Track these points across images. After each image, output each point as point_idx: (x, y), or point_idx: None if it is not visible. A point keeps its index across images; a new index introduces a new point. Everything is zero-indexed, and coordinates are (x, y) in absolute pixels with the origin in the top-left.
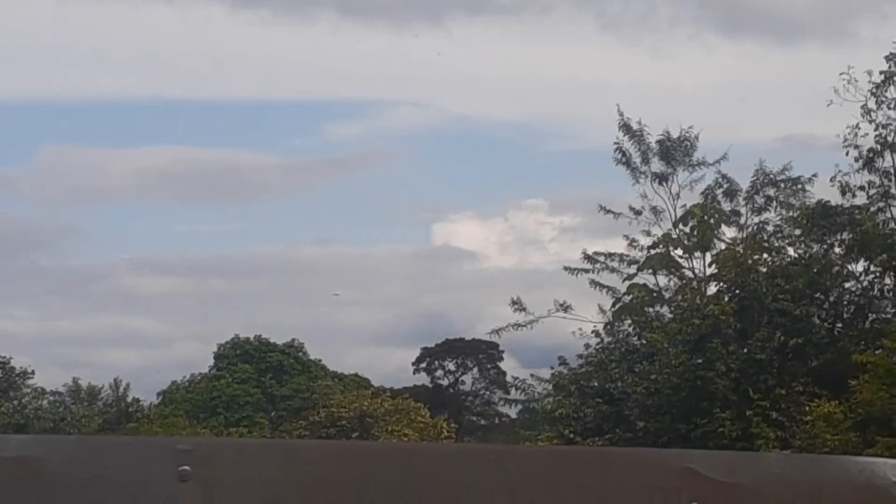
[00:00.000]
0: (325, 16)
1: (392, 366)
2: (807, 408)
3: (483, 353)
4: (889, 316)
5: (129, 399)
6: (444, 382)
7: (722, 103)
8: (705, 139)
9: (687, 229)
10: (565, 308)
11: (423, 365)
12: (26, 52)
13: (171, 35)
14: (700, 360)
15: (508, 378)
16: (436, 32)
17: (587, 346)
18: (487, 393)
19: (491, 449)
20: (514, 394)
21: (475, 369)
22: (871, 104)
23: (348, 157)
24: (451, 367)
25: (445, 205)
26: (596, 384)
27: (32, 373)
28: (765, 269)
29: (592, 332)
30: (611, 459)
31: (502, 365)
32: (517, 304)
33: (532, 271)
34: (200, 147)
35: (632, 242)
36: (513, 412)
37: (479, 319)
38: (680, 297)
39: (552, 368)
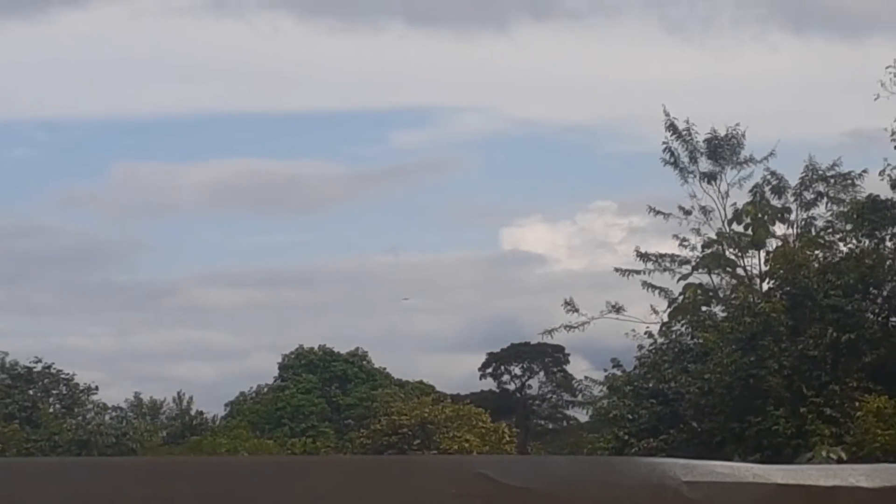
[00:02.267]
0: (392, 25)
1: (462, 372)
2: (857, 403)
3: (549, 356)
4: None
5: (193, 412)
6: (511, 387)
7: (789, 100)
8: (769, 137)
9: (741, 228)
10: (617, 309)
11: (490, 370)
12: (99, 69)
13: (238, 47)
14: (752, 359)
15: (575, 381)
16: (499, 38)
17: (640, 347)
18: (554, 396)
19: (290, 460)
20: (579, 397)
21: (541, 373)
22: None
23: (415, 164)
24: (518, 371)
25: (513, 209)
26: (650, 385)
27: (96, 388)
28: (816, 265)
29: (645, 332)
30: (407, 467)
31: (570, 368)
32: (570, 306)
33: (603, 273)
34: (268, 158)
35: (682, 242)
36: (581, 415)
37: (551, 323)
38: (733, 296)
39: (605, 371)
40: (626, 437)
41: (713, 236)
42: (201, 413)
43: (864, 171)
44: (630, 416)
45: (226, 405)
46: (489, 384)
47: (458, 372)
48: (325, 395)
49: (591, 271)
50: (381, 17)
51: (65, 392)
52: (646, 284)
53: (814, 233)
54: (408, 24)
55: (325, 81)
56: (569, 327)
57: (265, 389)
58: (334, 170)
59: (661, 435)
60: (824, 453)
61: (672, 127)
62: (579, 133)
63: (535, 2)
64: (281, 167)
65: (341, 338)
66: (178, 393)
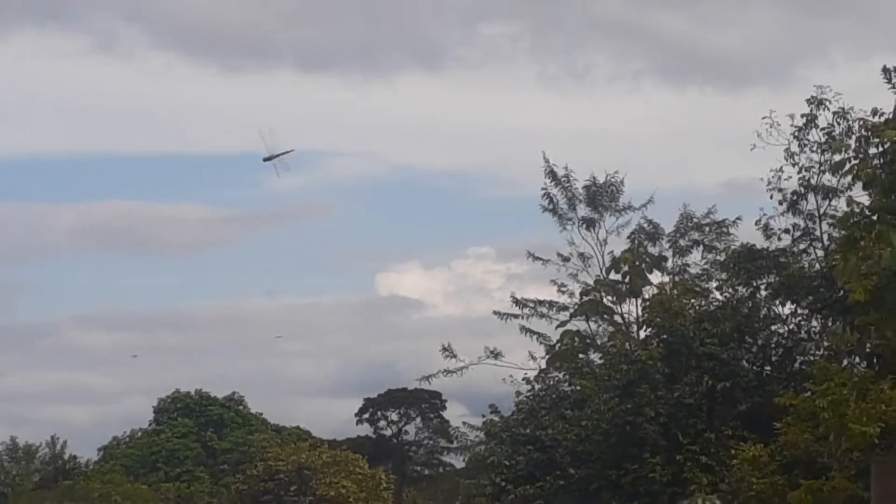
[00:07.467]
0: (282, 70)
1: (338, 417)
2: (732, 451)
3: (426, 402)
4: (816, 358)
5: (66, 456)
6: (388, 433)
7: (666, 151)
8: (648, 186)
9: (619, 276)
10: (496, 355)
11: (366, 416)
12: None
13: (120, 88)
14: (629, 406)
15: (451, 427)
16: (385, 86)
17: (518, 393)
18: (431, 442)
19: None
20: (455, 443)
21: (418, 419)
22: (794, 147)
23: (292, 208)
24: (394, 417)
25: (390, 254)
26: (527, 431)
27: None
28: (692, 313)
29: (523, 378)
30: None
31: (446, 414)
32: (448, 351)
33: (480, 319)
34: (143, 200)
35: (561, 288)
36: (458, 461)
37: (427, 369)
38: (610, 343)
39: (483, 416)
40: (504, 484)
41: (591, 283)
42: (75, 457)
43: (738, 219)
44: (507, 463)
45: (99, 449)
46: (366, 430)
47: (334, 417)
48: (201, 439)
49: (469, 317)
50: (272, 62)
51: None
52: (524, 330)
53: (688, 279)
54: (298, 69)
55: (207, 124)
56: (447, 372)
57: (139, 433)
58: (211, 213)
59: (537, 482)
60: (700, 501)
61: (551, 173)
62: (457, 178)
63: (427, 51)
64: (157, 209)
65: (217, 381)
66: (52, 437)
